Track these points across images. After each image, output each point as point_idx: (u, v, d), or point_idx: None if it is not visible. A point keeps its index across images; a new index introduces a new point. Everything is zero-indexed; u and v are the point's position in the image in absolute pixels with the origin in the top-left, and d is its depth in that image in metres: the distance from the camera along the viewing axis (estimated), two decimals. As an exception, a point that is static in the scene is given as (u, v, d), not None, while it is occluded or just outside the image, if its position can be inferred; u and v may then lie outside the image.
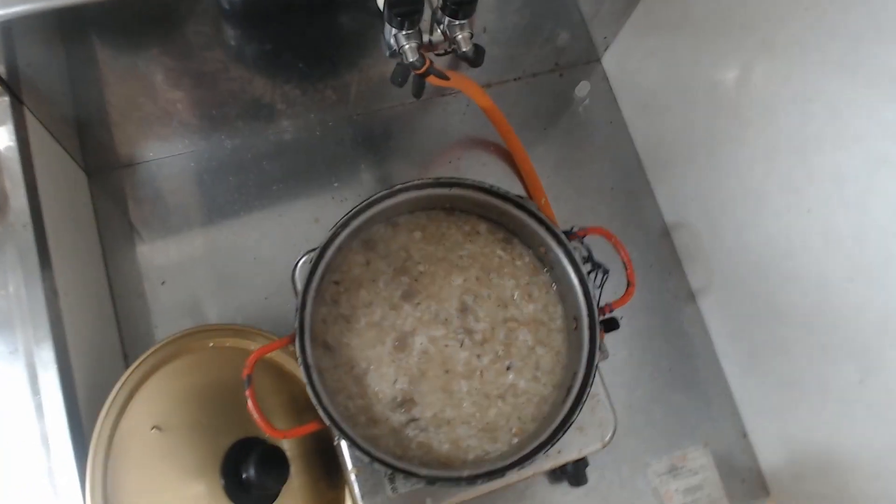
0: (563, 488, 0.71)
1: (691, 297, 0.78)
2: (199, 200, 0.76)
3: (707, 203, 0.73)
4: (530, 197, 0.79)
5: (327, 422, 0.54)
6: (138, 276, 0.73)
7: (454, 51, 0.60)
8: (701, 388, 0.76)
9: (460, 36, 0.58)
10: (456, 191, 0.61)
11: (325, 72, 0.71)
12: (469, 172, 0.79)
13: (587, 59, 0.84)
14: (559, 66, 0.84)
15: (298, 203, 0.77)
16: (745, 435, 0.75)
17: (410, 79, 0.64)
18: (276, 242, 0.75)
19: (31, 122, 0.61)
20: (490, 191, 0.61)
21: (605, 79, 0.84)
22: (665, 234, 0.80)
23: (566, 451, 0.62)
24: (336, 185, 0.78)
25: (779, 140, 0.61)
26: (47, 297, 0.55)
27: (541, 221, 0.61)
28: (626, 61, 0.81)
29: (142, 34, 0.59)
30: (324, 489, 0.64)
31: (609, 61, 0.84)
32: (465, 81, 0.69)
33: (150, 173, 0.75)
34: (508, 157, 0.80)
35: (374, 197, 0.60)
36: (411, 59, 0.58)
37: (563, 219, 0.77)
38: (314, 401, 0.55)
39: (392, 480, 0.60)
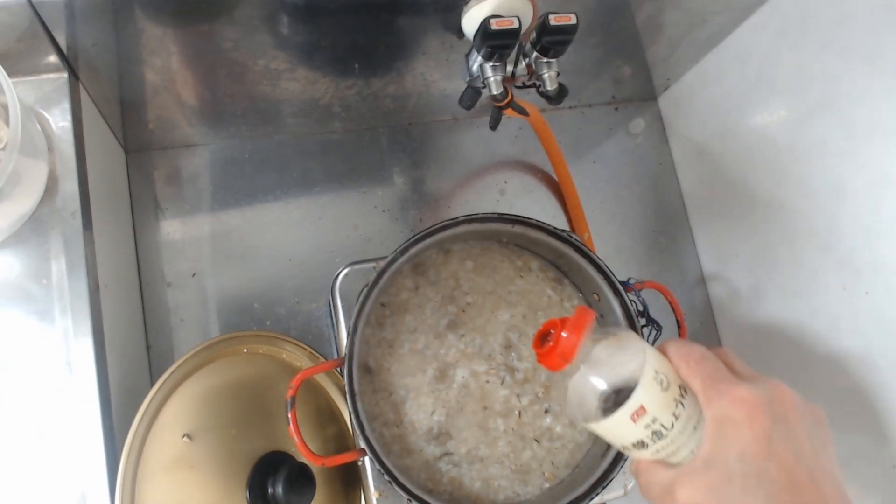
0: (574, 528, 0.71)
1: (719, 350, 0.78)
2: (238, 191, 0.73)
3: (751, 263, 0.72)
4: (573, 230, 0.78)
5: (369, 454, 0.53)
6: (166, 264, 0.70)
7: (536, 86, 0.58)
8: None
9: (547, 74, 0.56)
10: (518, 228, 0.60)
11: (389, 82, 0.68)
12: (514, 197, 0.78)
13: (644, 97, 0.83)
14: (615, 100, 0.83)
15: (339, 208, 0.75)
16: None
17: (478, 103, 0.63)
18: (314, 246, 0.73)
19: (86, 100, 0.58)
20: (553, 232, 0.60)
21: (660, 119, 0.83)
22: (701, 283, 0.80)
23: (591, 497, 0.62)
24: (379, 192, 0.76)
25: (845, 217, 0.61)
26: (90, 290, 0.53)
27: (600, 269, 0.60)
28: (683, 105, 0.80)
29: (210, 21, 0.56)
30: (341, 506, 0.63)
31: (666, 102, 0.83)
32: (533, 110, 0.67)
33: (190, 158, 0.73)
34: (554, 186, 0.79)
35: (437, 226, 0.58)
36: (494, 92, 0.56)
37: (602, 255, 0.76)
38: (357, 430, 0.53)
39: (414, 508, 0.60)
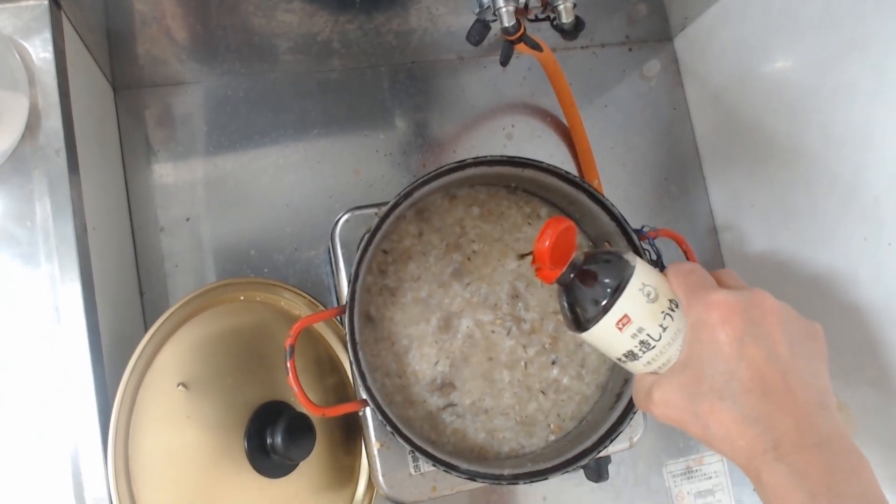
0: (577, 479, 0.71)
1: (730, 302, 0.76)
2: (233, 133, 0.70)
3: (767, 213, 0.70)
4: (582, 176, 0.75)
5: (371, 405, 0.51)
6: (159, 208, 0.67)
7: (550, 19, 0.54)
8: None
9: (563, 5, 0.53)
10: (528, 172, 0.57)
11: (393, 16, 0.64)
12: (522, 142, 0.75)
13: (660, 38, 0.79)
14: (630, 40, 0.78)
15: (339, 151, 0.71)
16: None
17: (487, 38, 0.59)
18: (312, 191, 0.70)
19: (69, 30, 0.54)
20: (565, 176, 0.57)
21: (675, 61, 0.80)
22: (712, 233, 0.78)
23: (597, 450, 0.60)
24: (381, 136, 0.72)
25: (871, 165, 0.58)
26: (77, 232, 0.50)
27: (613, 216, 0.57)
28: (701, 46, 0.76)
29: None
30: (341, 456, 0.62)
31: (683, 43, 0.79)
32: (545, 47, 0.64)
33: (182, 96, 0.69)
34: (564, 131, 0.76)
35: (442, 169, 0.55)
36: (506, 24, 0.52)
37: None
38: (359, 380, 0.51)
39: (415, 459, 0.58)
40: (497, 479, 0.52)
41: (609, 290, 0.46)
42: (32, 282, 0.49)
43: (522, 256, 0.60)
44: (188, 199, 0.68)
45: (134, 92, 0.68)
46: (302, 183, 0.70)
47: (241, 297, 0.60)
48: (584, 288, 0.47)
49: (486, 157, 0.55)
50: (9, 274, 0.48)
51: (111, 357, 0.52)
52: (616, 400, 0.57)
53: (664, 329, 0.45)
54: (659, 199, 0.77)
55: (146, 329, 0.54)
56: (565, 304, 0.49)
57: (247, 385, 0.57)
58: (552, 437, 0.59)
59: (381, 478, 0.57)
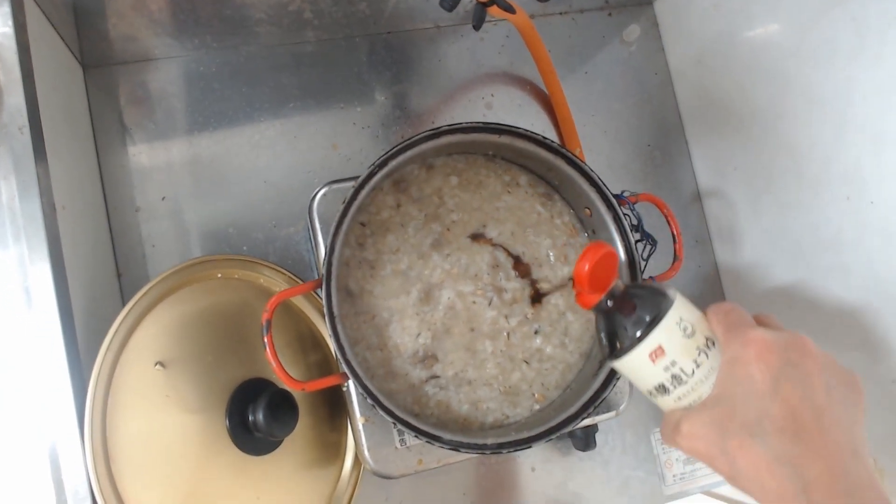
0: (565, 449, 0.71)
1: (715, 271, 0.76)
2: (207, 109, 0.68)
3: (750, 176, 0.69)
4: (564, 145, 0.74)
5: (352, 379, 0.50)
6: (134, 187, 0.66)
7: (522, -19, 0.53)
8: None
9: (535, -34, 0.51)
10: (505, 138, 0.56)
11: (364, -17, 0.63)
12: (502, 112, 0.74)
13: (639, 1, 0.78)
14: (609, 5, 0.77)
15: (316, 125, 0.70)
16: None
17: (462, 5, 0.58)
18: (290, 167, 0.69)
19: (30, 5, 0.53)
20: (543, 142, 0.56)
21: (656, 25, 0.78)
22: (696, 200, 0.77)
23: (582, 419, 0.60)
24: (358, 109, 0.71)
25: (852, 124, 0.57)
26: (45, 211, 0.49)
27: (592, 182, 0.57)
28: (682, 9, 0.75)
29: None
30: (326, 432, 0.61)
31: (663, 6, 0.78)
32: (520, 11, 0.62)
33: (154, 73, 0.68)
34: (544, 100, 0.75)
35: (417, 137, 0.54)
36: (478, -14, 0.51)
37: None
38: (338, 354, 0.51)
39: (401, 433, 0.58)
40: (481, 448, 0.52)
41: (646, 320, 0.46)
42: (0, 263, 0.48)
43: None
44: (164, 179, 0.67)
45: (104, 69, 0.67)
46: (279, 158, 0.69)
47: (219, 275, 0.59)
48: (621, 316, 0.47)
49: (461, 123, 0.54)
50: (-26, 255, 0.47)
51: (86, 339, 0.51)
52: (599, 367, 0.56)
53: (698, 365, 0.45)
54: (642, 166, 0.76)
55: (123, 310, 0.53)
56: (601, 331, 0.49)
57: (227, 363, 0.57)
58: (536, 407, 0.58)
59: (366, 452, 0.57)
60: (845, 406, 0.42)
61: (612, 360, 0.48)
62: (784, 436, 0.40)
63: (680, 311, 0.46)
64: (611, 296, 0.47)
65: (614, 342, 0.48)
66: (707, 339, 0.46)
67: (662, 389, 0.46)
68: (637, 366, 0.46)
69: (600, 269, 0.46)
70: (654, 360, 0.45)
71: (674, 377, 0.45)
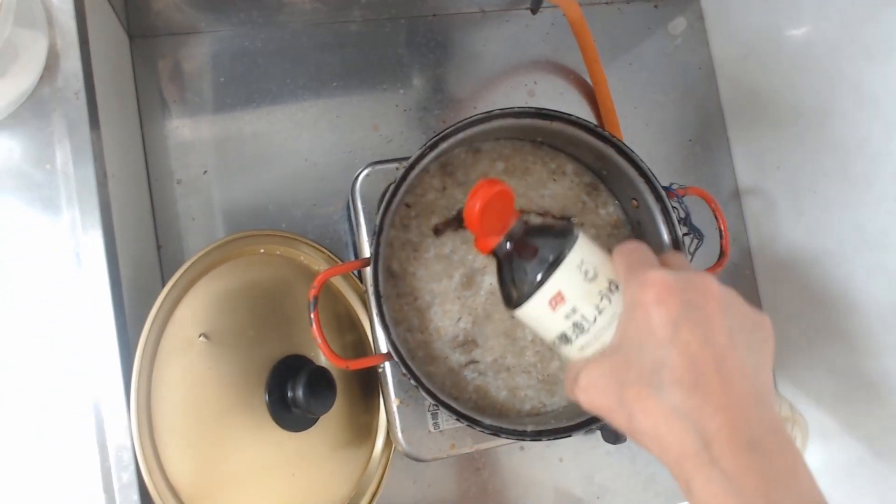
0: (594, 441, 0.71)
1: (750, 268, 0.76)
2: (251, 85, 0.68)
3: (793, 176, 0.69)
4: (605, 136, 0.73)
5: (396, 359, 0.50)
6: (176, 160, 0.66)
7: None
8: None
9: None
10: (556, 125, 0.56)
11: (416, -37, 0.62)
12: (544, 100, 0.73)
13: (687, -6, 0.77)
14: (656, -3, 0.77)
15: (357, 105, 0.70)
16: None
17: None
18: (331, 146, 0.69)
19: (86, -31, 0.53)
20: (594, 130, 0.56)
21: (702, 18, 0.78)
22: (735, 197, 0.76)
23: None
24: (401, 91, 0.71)
25: (905, 124, 0.57)
26: (98, 178, 0.49)
27: (642, 172, 0.56)
28: (728, 2, 0.74)
29: None
30: (359, 413, 0.61)
31: (709, 1, 0.77)
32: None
33: (199, 47, 0.67)
34: (586, 90, 0.74)
35: (469, 120, 0.54)
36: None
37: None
38: (382, 334, 0.51)
39: (435, 416, 0.58)
40: (521, 435, 0.52)
41: (545, 264, 0.42)
42: (53, 227, 0.48)
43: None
44: (204, 151, 0.67)
45: (150, 41, 0.67)
46: (320, 137, 0.69)
47: (261, 251, 0.59)
48: (520, 261, 0.43)
49: (513, 108, 0.54)
50: (28, 217, 0.47)
51: (131, 308, 0.52)
52: (641, 358, 0.56)
53: (600, 312, 0.41)
54: (682, 160, 0.76)
55: (163, 283, 0.53)
56: (499, 278, 0.45)
57: (267, 338, 0.57)
58: (574, 396, 0.58)
59: (399, 434, 0.57)
60: (750, 350, 0.38)
61: (513, 308, 0.44)
62: (682, 386, 0.36)
63: (581, 253, 0.42)
64: (509, 237, 0.44)
65: (510, 290, 0.44)
66: (610, 283, 0.41)
67: (565, 339, 0.42)
68: (538, 314, 0.42)
69: (493, 209, 0.42)
70: (553, 308, 0.41)
71: (575, 325, 0.41)
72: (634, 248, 0.42)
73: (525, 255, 0.43)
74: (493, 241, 0.44)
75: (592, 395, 0.40)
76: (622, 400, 0.38)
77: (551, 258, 0.42)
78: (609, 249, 0.43)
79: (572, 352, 0.43)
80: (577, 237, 0.43)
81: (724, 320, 0.38)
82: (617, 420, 0.39)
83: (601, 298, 0.41)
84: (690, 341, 0.37)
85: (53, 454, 0.46)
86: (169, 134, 0.66)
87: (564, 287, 0.41)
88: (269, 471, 0.55)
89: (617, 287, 0.42)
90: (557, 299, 0.41)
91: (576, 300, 0.41)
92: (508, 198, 0.43)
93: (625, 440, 0.66)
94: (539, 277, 0.42)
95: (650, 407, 0.37)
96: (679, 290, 0.38)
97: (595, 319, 0.41)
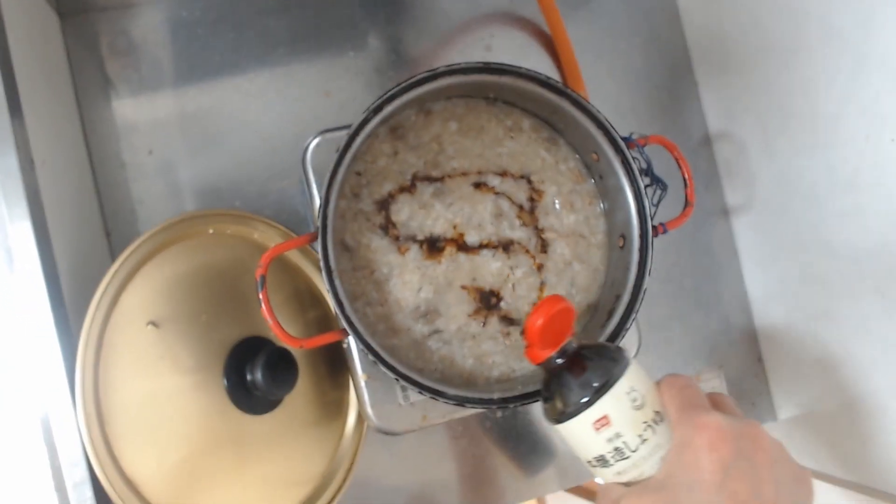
0: (572, 401, 0.69)
1: (725, 215, 0.74)
2: (193, 58, 0.65)
3: (763, 118, 0.66)
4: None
5: (352, 335, 0.49)
6: (119, 142, 0.63)
7: None
8: (723, 310, 0.73)
9: None
10: (506, 79, 0.53)
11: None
12: (502, 54, 0.70)
13: (646, -69, 0.74)
14: (614, -63, 0.73)
15: (307, 72, 0.67)
16: (760, 360, 0.73)
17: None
18: (282, 116, 0.66)
19: (-6, -56, 0.49)
20: (546, 83, 0.53)
21: (664, -43, 0.74)
22: (706, 143, 0.74)
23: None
24: (351, 54, 0.68)
25: (872, 57, 0.54)
26: (22, 166, 0.47)
27: (599, 124, 0.54)
28: (691, -60, 0.71)
29: None
30: (328, 390, 0.60)
31: (670, -64, 0.74)
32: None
33: (135, 20, 0.64)
34: (546, 41, 0.71)
35: (413, 80, 0.51)
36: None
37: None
38: (337, 310, 0.49)
39: (404, 389, 0.57)
40: (486, 403, 0.51)
41: (594, 385, 0.43)
42: (-22, 221, 0.45)
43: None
44: (150, 132, 0.64)
45: (82, 18, 0.63)
46: (270, 108, 0.66)
47: (211, 231, 0.57)
48: (570, 377, 0.44)
49: (459, 64, 0.51)
50: (-51, 213, 0.45)
51: (75, 300, 0.49)
52: (608, 317, 0.54)
53: (643, 441, 0.42)
54: (649, 108, 0.73)
55: (112, 270, 0.51)
56: (545, 390, 0.46)
57: (222, 322, 0.55)
58: (543, 359, 0.57)
59: (369, 410, 0.56)
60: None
61: (554, 422, 0.45)
62: None
63: (632, 380, 0.43)
64: (562, 353, 0.45)
65: (557, 404, 0.45)
66: (656, 414, 0.43)
67: (602, 461, 0.44)
68: (579, 433, 0.44)
69: (554, 324, 0.44)
70: (597, 430, 0.43)
71: (616, 450, 0.43)
72: (685, 385, 0.44)
73: (575, 372, 0.44)
74: (546, 354, 0.45)
75: None
76: None
77: (602, 380, 0.43)
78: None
79: (608, 475, 0.44)
80: (629, 362, 0.44)
81: (772, 473, 0.40)
82: None
83: (646, 428, 0.42)
84: (739, 491, 0.39)
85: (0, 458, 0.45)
86: (110, 115, 0.63)
87: (611, 411, 0.42)
88: (236, 456, 0.54)
89: (662, 419, 0.43)
90: (603, 422, 0.43)
91: (621, 426, 0.42)
92: (570, 315, 0.45)
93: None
94: (588, 397, 0.43)
95: None
96: (732, 438, 0.40)
97: (637, 448, 0.42)
